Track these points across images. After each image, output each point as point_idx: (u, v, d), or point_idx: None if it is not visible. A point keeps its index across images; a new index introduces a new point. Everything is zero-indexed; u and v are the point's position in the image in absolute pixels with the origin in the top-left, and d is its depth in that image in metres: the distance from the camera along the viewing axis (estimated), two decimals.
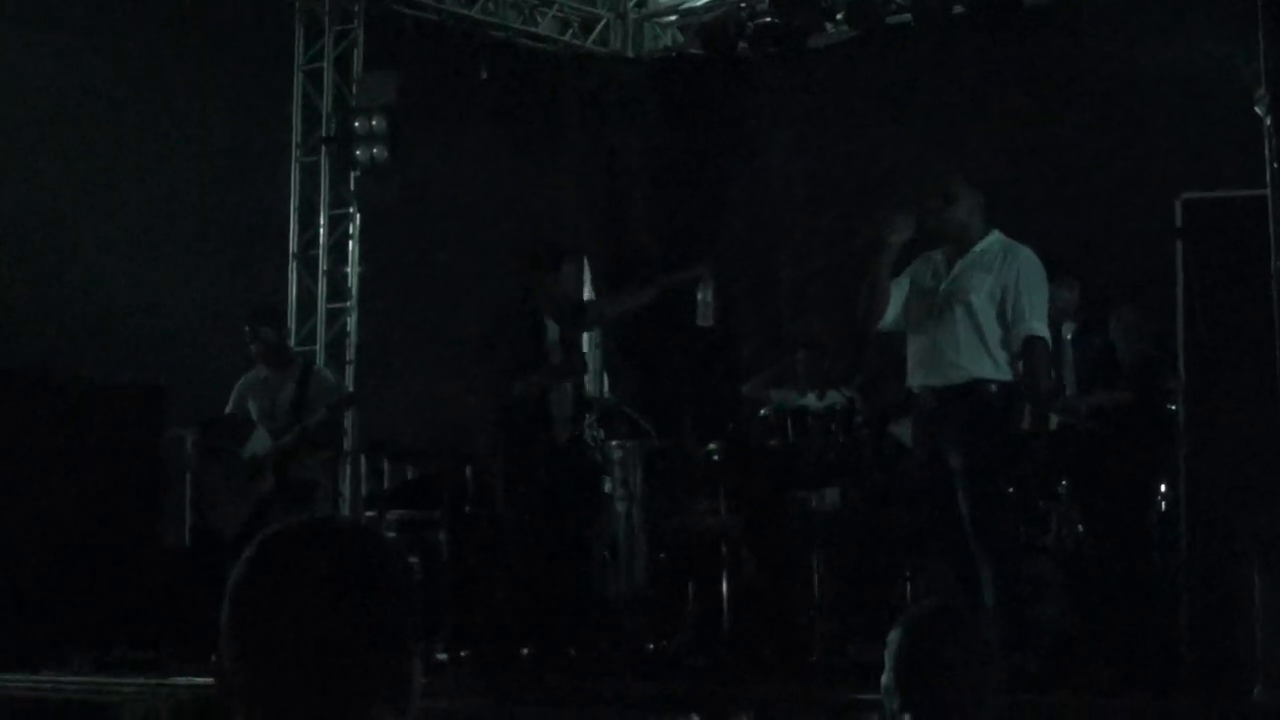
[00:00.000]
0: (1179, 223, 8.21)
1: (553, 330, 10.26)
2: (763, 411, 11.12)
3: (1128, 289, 10.47)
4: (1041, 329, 8.35)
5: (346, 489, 13.99)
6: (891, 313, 8.65)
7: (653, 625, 10.76)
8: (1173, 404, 8.81)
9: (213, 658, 2.33)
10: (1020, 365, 8.32)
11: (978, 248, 8.49)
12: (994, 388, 8.34)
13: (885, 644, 3.94)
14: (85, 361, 12.44)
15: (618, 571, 10.92)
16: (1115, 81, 12.83)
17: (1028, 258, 8.45)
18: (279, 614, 2.27)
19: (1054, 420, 9.70)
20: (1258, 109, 7.20)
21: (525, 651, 10.61)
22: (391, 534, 11.55)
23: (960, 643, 3.85)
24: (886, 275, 8.60)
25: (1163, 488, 9.44)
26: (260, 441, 11.16)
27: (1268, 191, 7.20)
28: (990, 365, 8.35)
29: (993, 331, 8.35)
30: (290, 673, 2.25)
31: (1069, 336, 9.90)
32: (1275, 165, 7.10)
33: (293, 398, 11.15)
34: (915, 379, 8.58)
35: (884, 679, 3.92)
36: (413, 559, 10.99)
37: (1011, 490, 8.68)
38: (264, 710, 2.26)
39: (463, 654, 10.65)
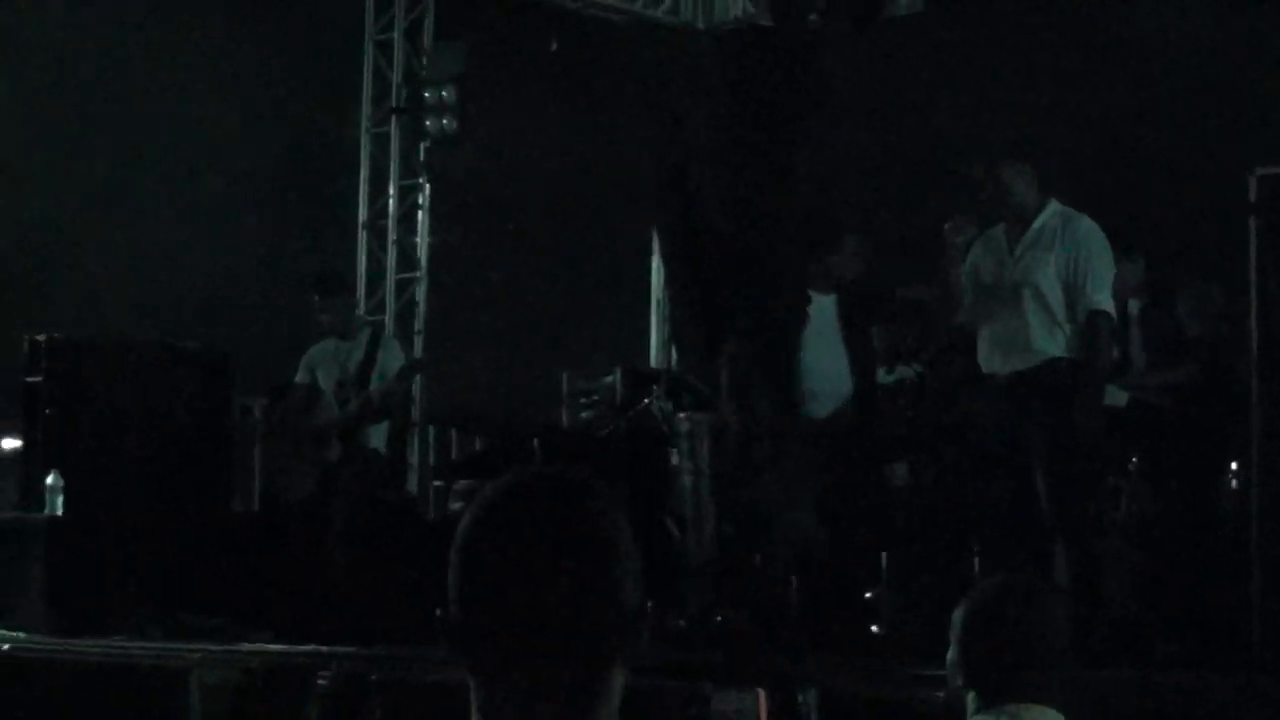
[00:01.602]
0: (1253, 198, 8.13)
1: (824, 307, 10.10)
2: None
3: (1199, 265, 10.39)
4: (1105, 302, 8.34)
5: (415, 458, 14.05)
6: (967, 305, 8.69)
7: (719, 597, 10.74)
8: (1244, 381, 8.73)
9: (438, 616, 2.29)
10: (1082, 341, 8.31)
11: (1036, 224, 8.48)
12: (1066, 365, 8.34)
13: (951, 620, 3.93)
14: (156, 329, 12.52)
15: (684, 543, 10.91)
16: (1191, 53, 12.70)
17: (1089, 229, 8.43)
18: (516, 572, 2.21)
19: (1124, 396, 9.64)
20: None
21: None
22: (458, 504, 11.57)
23: (1026, 620, 3.82)
24: (957, 273, 8.64)
25: (1234, 465, 9.36)
26: (328, 411, 11.20)
27: None
28: (1063, 342, 8.37)
29: (1061, 309, 8.36)
30: (529, 634, 2.20)
31: (1135, 312, 9.84)
32: None
33: (360, 367, 11.19)
34: (991, 364, 8.58)
35: (949, 655, 3.90)
36: None
37: (1087, 466, 8.65)
38: (499, 672, 2.23)
39: None
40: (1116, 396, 9.30)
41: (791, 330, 10.05)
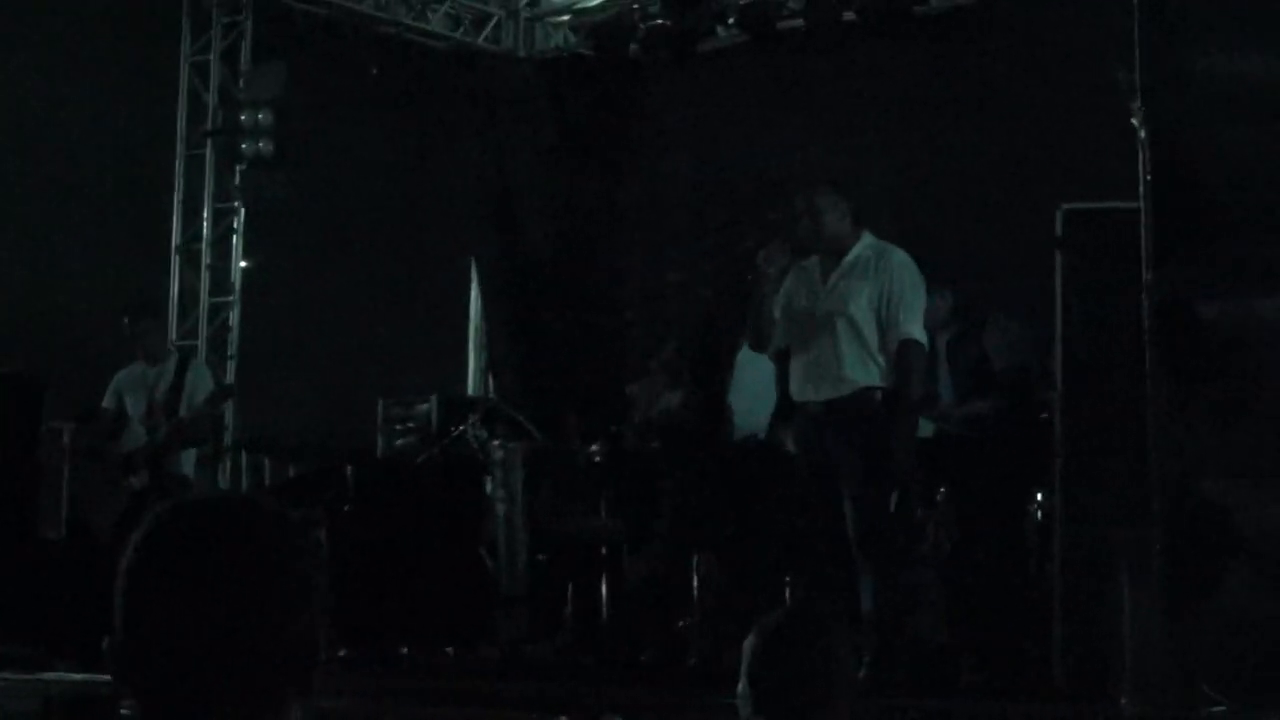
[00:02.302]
0: (1059, 233, 8.26)
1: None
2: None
3: (1006, 298, 10.53)
4: (916, 332, 8.41)
5: (226, 484, 13.89)
6: (780, 334, 8.71)
7: (531, 626, 10.74)
8: (1048, 413, 8.86)
9: (105, 645, 2.22)
10: (894, 370, 8.39)
11: (850, 256, 8.54)
12: (879, 395, 8.40)
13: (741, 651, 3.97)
14: None
15: (497, 572, 10.90)
16: (999, 91, 12.90)
17: (901, 261, 8.50)
18: (174, 596, 2.15)
19: (931, 428, 9.74)
20: (1134, 121, 7.26)
21: (404, 651, 10.58)
22: None
23: (813, 650, 3.86)
24: (770, 303, 8.65)
25: (1039, 497, 9.49)
26: (135, 437, 11.06)
27: (1140, 203, 7.26)
28: (876, 372, 8.40)
29: (874, 339, 8.40)
30: (187, 659, 2.14)
31: (943, 345, 9.94)
32: (1149, 178, 7.16)
33: (169, 392, 11.07)
34: (802, 393, 8.61)
35: (739, 686, 3.93)
36: None
37: (894, 498, 8.71)
38: (159, 700, 2.16)
39: (340, 653, 10.59)
40: (923, 428, 9.39)
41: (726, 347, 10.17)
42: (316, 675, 2.21)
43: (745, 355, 10.26)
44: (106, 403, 11.28)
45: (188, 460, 11.23)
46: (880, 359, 8.40)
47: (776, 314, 8.69)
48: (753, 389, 10.36)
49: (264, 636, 2.16)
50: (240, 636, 2.15)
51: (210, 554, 2.17)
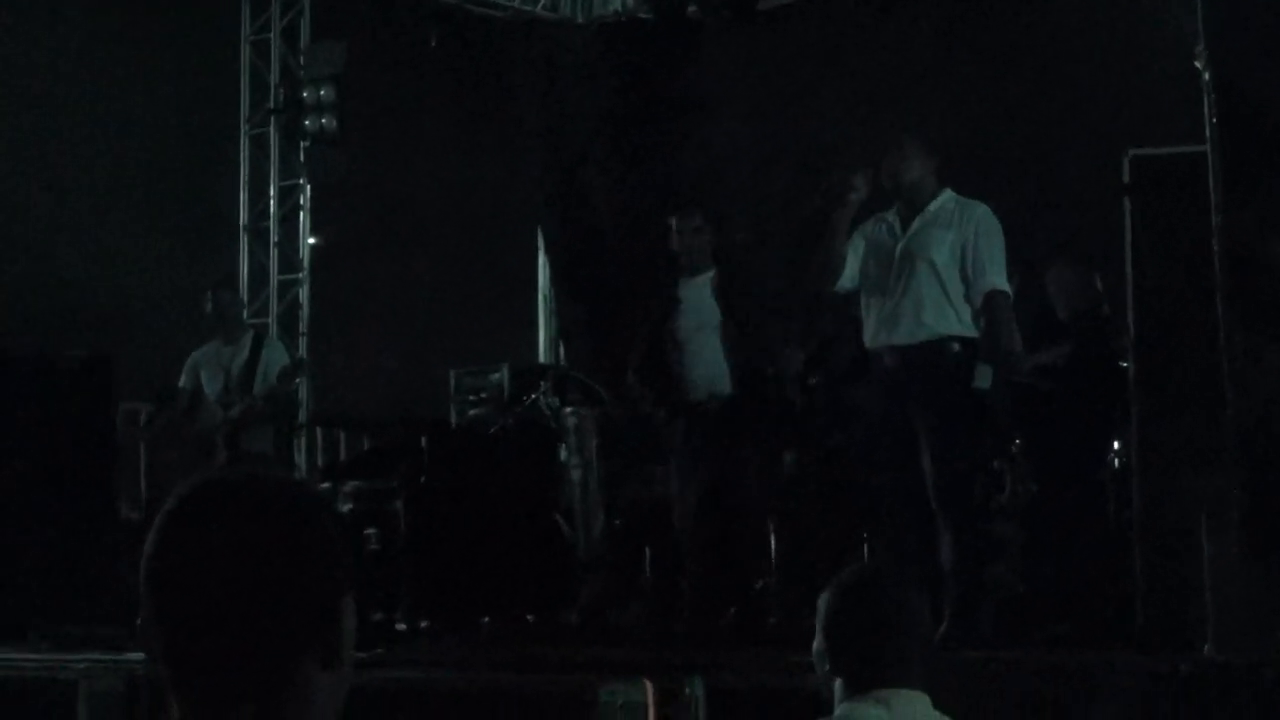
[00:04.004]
0: (1127, 179, 8.20)
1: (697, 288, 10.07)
2: None
3: (1073, 247, 10.46)
4: (1002, 283, 8.38)
5: (303, 460, 13.98)
6: (847, 273, 8.65)
7: (609, 592, 10.75)
8: (1123, 361, 8.80)
9: (138, 621, 2.24)
10: (981, 321, 8.34)
11: (932, 206, 8.51)
12: (958, 345, 8.36)
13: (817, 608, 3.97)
14: (35, 334, 12.39)
15: (574, 538, 10.92)
16: (1063, 39, 12.80)
17: (985, 213, 8.47)
18: (193, 570, 2.17)
19: None
20: (1198, 64, 7.20)
21: (484, 620, 10.62)
22: (348, 506, 11.53)
23: (885, 606, 3.85)
24: (843, 235, 8.59)
25: (1116, 445, 9.44)
26: (212, 415, 11.12)
27: (1207, 147, 7.20)
28: (955, 322, 8.36)
29: (956, 288, 8.37)
30: (206, 632, 2.16)
31: None
32: (1214, 120, 7.10)
33: (244, 369, 11.14)
34: (877, 339, 8.56)
35: (815, 643, 3.93)
36: (370, 530, 10.95)
37: (970, 449, 8.68)
38: (183, 672, 2.18)
39: (422, 624, 10.64)
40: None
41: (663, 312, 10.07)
42: (344, 647, 2.23)
43: (686, 329, 10.06)
44: (184, 382, 11.35)
45: (265, 436, 11.29)
46: (961, 310, 8.37)
47: (849, 254, 8.62)
48: (703, 356, 10.07)
49: (278, 607, 2.18)
50: (254, 609, 2.17)
51: (226, 531, 2.19)
